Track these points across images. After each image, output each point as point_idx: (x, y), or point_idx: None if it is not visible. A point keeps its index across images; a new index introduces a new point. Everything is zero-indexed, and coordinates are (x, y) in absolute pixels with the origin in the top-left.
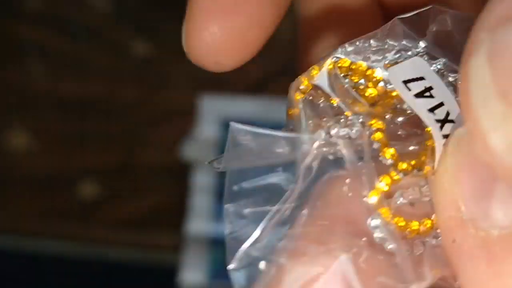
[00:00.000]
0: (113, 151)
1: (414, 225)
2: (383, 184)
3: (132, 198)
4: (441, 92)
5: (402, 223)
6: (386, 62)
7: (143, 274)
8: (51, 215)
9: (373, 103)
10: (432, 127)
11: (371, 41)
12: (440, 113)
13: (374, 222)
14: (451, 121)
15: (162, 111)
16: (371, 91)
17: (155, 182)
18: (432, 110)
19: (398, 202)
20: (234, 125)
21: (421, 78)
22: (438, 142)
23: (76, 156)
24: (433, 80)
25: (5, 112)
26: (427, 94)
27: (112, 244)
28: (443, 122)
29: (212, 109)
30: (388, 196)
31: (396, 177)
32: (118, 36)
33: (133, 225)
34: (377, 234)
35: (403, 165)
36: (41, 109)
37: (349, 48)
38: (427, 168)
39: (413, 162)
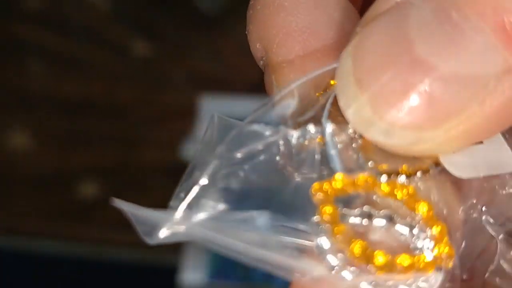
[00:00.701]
0: (113, 151)
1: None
2: (338, 178)
3: (132, 198)
4: None
5: (358, 250)
6: None
7: (143, 274)
8: (51, 215)
9: None
10: None
11: None
12: None
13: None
14: None
15: (162, 111)
16: None
17: (155, 182)
18: None
19: (355, 220)
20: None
21: None
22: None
23: (76, 155)
24: None
25: (5, 112)
26: None
27: (112, 244)
28: None
29: (212, 109)
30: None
31: (367, 179)
32: (118, 36)
33: (133, 225)
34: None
35: (384, 167)
36: (41, 109)
37: None
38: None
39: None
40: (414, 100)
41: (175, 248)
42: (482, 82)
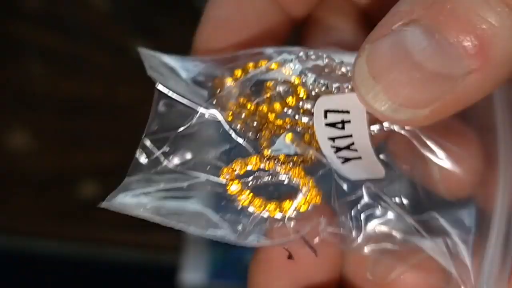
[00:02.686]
0: (113, 151)
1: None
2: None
3: None
4: (356, 128)
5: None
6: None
7: (143, 274)
8: (51, 215)
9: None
10: (325, 149)
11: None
12: (341, 143)
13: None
14: (353, 149)
15: None
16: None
17: None
18: (334, 138)
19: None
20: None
21: (346, 112)
22: (328, 157)
23: (76, 156)
24: (356, 117)
25: (5, 112)
26: (339, 126)
27: (112, 244)
28: (340, 149)
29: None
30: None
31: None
32: (118, 36)
33: (133, 225)
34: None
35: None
36: (40, 109)
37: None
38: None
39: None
40: (412, 88)
41: (175, 248)
42: (454, 78)
